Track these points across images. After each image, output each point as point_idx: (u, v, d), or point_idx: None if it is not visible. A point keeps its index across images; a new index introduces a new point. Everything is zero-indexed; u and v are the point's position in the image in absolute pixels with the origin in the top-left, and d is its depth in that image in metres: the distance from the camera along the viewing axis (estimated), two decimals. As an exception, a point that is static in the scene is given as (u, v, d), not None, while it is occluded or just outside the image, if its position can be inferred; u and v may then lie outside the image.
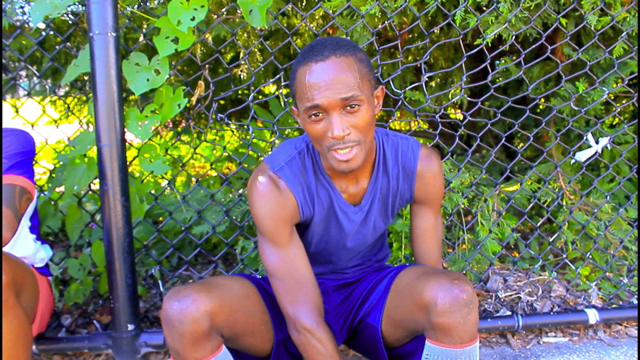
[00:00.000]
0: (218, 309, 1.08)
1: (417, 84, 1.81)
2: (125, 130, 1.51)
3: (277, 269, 1.19)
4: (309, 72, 1.03)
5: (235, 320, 1.14)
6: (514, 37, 1.74)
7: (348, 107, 1.04)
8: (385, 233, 1.43)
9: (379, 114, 2.86)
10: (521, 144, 2.73)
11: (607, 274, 2.17)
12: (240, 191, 2.10)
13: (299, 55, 1.09)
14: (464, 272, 1.99)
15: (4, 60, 1.42)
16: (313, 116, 1.06)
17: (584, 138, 1.96)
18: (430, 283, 1.08)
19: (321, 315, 1.19)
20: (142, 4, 1.61)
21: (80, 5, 1.96)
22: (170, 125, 2.81)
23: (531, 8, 1.72)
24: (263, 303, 1.24)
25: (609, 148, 2.09)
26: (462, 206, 1.99)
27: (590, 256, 2.06)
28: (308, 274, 1.20)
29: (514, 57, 2.12)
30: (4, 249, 1.38)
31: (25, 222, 1.45)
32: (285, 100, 2.00)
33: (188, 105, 1.64)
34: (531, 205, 1.96)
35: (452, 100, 1.97)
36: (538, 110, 2.46)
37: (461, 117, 2.96)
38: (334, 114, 1.04)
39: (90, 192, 1.73)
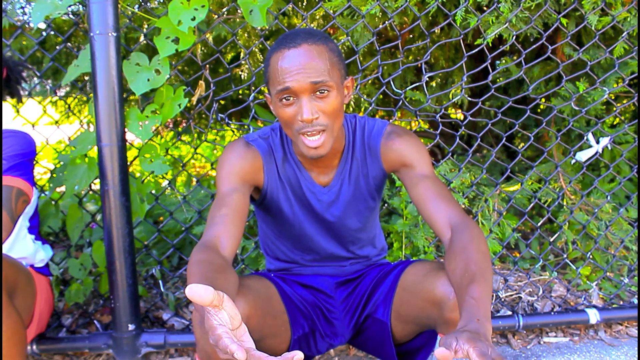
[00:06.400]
0: (253, 312, 1.08)
1: (417, 84, 1.81)
2: (126, 130, 1.51)
3: (213, 209, 1.13)
4: (281, 57, 1.09)
5: (264, 322, 1.15)
6: (514, 37, 1.74)
7: (317, 92, 1.09)
8: (376, 221, 1.42)
9: (380, 113, 2.87)
10: (522, 144, 2.73)
11: (608, 273, 2.17)
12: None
13: (273, 44, 1.14)
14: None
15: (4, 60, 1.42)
16: (284, 100, 1.10)
17: (585, 138, 1.96)
18: (441, 278, 1.09)
19: (226, 245, 1.08)
20: (142, 4, 1.61)
21: (80, 5, 1.96)
22: (171, 125, 2.81)
23: (532, 8, 1.72)
24: (282, 303, 1.25)
25: (610, 148, 2.09)
26: (463, 206, 1.99)
27: (591, 256, 2.06)
28: (239, 215, 1.13)
29: (515, 57, 2.12)
30: (3, 250, 1.38)
31: (24, 223, 1.46)
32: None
33: (188, 105, 1.64)
34: (532, 205, 1.96)
35: (453, 100, 1.97)
36: (539, 110, 2.46)
37: (462, 117, 2.96)
38: (304, 98, 1.09)
39: (90, 192, 1.73)
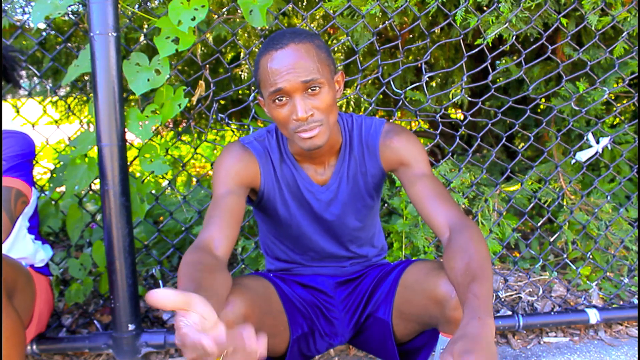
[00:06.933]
0: (250, 311, 1.08)
1: (417, 84, 1.81)
2: (126, 130, 1.51)
3: (209, 211, 1.13)
4: (270, 60, 1.10)
5: (263, 322, 1.14)
6: (514, 37, 1.74)
7: (309, 90, 1.10)
8: (375, 220, 1.41)
9: (380, 113, 2.87)
10: (522, 144, 2.73)
11: (608, 273, 2.17)
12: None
13: (260, 47, 1.15)
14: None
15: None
16: (277, 101, 1.11)
17: (585, 138, 1.96)
18: (443, 277, 1.09)
19: (220, 247, 1.08)
20: (142, 4, 1.61)
21: (80, 5, 1.96)
22: (171, 125, 2.81)
23: (532, 8, 1.72)
24: (281, 303, 1.25)
25: (610, 148, 2.09)
26: (463, 206, 1.99)
27: (591, 256, 2.06)
28: (235, 217, 1.13)
29: (515, 57, 2.12)
30: (3, 250, 1.38)
31: (24, 223, 1.46)
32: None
33: (188, 105, 1.64)
34: (532, 205, 1.96)
35: (453, 100, 1.98)
36: (539, 110, 2.46)
37: (462, 117, 2.96)
38: (297, 97, 1.10)
39: (90, 192, 1.73)
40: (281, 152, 1.27)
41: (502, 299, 1.99)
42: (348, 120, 1.29)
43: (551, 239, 2.08)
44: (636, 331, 1.86)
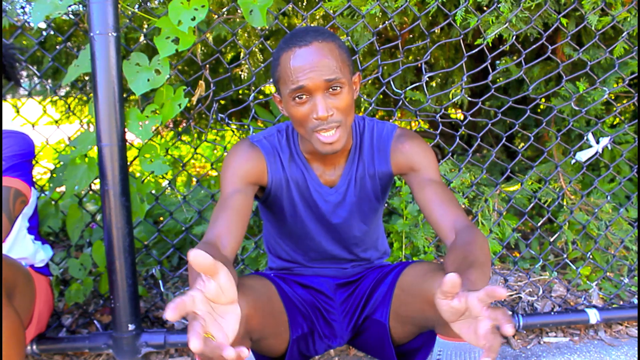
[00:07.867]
0: (253, 312, 1.07)
1: (417, 84, 1.81)
2: (126, 130, 1.51)
3: (216, 209, 1.14)
4: (292, 56, 1.08)
5: (265, 323, 1.14)
6: (514, 37, 1.74)
7: (331, 90, 1.10)
8: (379, 223, 1.42)
9: (380, 113, 2.87)
10: (522, 144, 2.73)
11: (608, 273, 2.17)
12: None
13: (280, 43, 1.13)
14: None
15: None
16: (297, 98, 1.10)
17: (585, 138, 1.96)
18: (439, 279, 1.08)
19: (227, 245, 1.09)
20: (142, 4, 1.61)
21: (80, 5, 1.96)
22: (171, 125, 2.81)
23: (532, 8, 1.72)
24: (282, 303, 1.24)
25: (610, 148, 2.09)
26: (463, 206, 1.99)
27: (591, 256, 2.06)
28: (242, 216, 1.14)
29: (515, 57, 2.12)
30: (3, 250, 1.38)
31: (23, 223, 1.45)
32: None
33: (188, 105, 1.64)
34: (532, 205, 1.96)
35: (453, 100, 1.98)
36: (539, 110, 2.46)
37: (462, 117, 2.96)
38: (318, 96, 1.09)
39: (90, 192, 1.73)
40: (291, 150, 1.27)
41: (502, 299, 1.99)
42: (360, 123, 1.29)
43: (551, 239, 2.08)
44: (636, 331, 1.86)
